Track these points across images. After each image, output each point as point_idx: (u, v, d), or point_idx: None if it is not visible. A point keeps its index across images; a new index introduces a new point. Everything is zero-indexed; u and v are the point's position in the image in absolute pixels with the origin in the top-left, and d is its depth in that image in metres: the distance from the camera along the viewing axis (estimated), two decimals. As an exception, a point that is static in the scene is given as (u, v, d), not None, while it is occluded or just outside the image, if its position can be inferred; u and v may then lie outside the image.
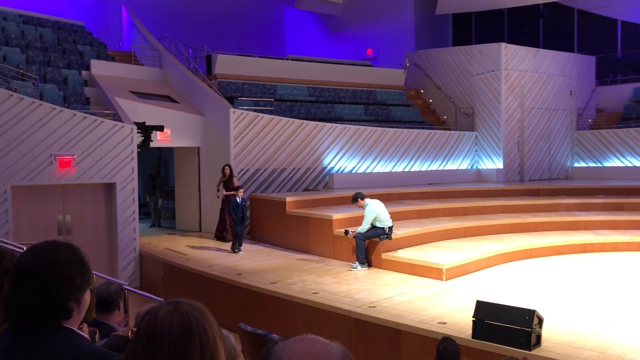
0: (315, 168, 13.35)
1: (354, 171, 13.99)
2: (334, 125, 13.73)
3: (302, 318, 6.84)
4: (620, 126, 16.76)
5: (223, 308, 7.88)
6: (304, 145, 13.10)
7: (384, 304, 6.59)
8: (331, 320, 6.48)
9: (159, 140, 11.93)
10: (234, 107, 12.48)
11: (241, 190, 10.44)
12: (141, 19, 16.64)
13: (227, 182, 11.21)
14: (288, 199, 10.73)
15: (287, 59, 16.91)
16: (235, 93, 14.19)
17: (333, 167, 13.64)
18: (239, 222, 10.26)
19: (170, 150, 14.38)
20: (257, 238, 11.46)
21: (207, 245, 11.01)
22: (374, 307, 6.46)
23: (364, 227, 8.65)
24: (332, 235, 9.65)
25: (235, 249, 10.23)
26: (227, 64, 14.89)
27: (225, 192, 11.13)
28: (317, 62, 17.24)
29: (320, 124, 13.48)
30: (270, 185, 12.61)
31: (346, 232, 9.00)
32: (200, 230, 12.93)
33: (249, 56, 15.88)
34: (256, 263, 9.21)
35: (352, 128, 13.94)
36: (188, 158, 13.26)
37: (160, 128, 11.03)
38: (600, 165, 16.81)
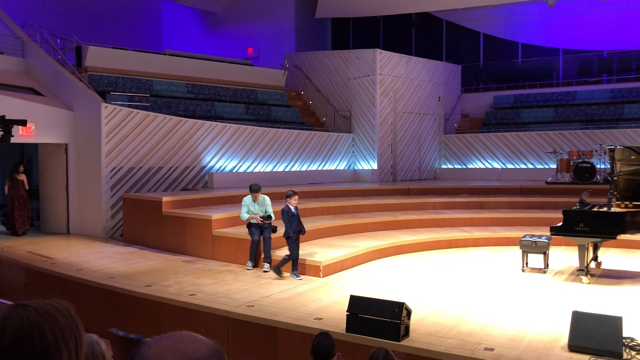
0: (194, 167, 13.07)
1: (234, 170, 13.89)
2: (214, 123, 13.53)
3: (178, 321, 6.67)
4: (481, 131, 18.21)
5: (94, 313, 7.47)
6: (182, 143, 12.78)
7: (263, 303, 6.62)
8: (208, 321, 6.39)
9: (21, 135, 11.02)
10: (106, 102, 11.86)
11: (296, 196, 8.08)
12: (1, 3, 15.25)
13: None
14: (164, 198, 10.40)
15: (164, 54, 16.37)
16: (108, 87, 13.48)
17: (213, 167, 13.43)
18: (296, 240, 7.98)
19: (34, 146, 13.33)
20: (131, 240, 10.98)
21: (75, 248, 10.36)
22: (252, 306, 6.47)
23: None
24: (211, 236, 9.50)
25: (277, 271, 8.07)
26: (99, 57, 14.11)
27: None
28: (197, 58, 16.87)
29: (200, 121, 13.22)
30: (145, 184, 12.14)
31: (270, 217, 8.59)
32: (69, 233, 12.14)
33: (123, 49, 15.16)
34: (130, 265, 8.83)
35: (232, 127, 13.82)
36: (55, 155, 12.39)
37: (23, 122, 10.16)
38: (464, 167, 18.14)
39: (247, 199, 8.86)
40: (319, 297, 6.95)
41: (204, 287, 7.42)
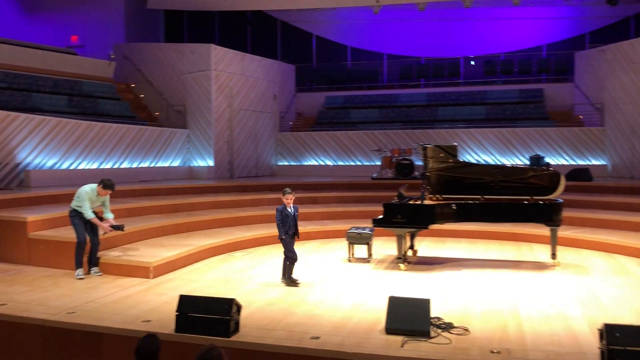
0: (8, 163, 11.81)
1: (56, 167, 12.81)
2: (31, 116, 12.34)
3: (-14, 334, 6.00)
4: (315, 129, 18.94)
5: None
6: (-8, 137, 11.49)
7: (86, 308, 6.23)
8: (22, 332, 5.84)
9: None
10: None
11: (291, 195, 7.48)
12: None
13: None
14: (-30, 199, 9.27)
15: (-30, 37, 14.57)
16: None
17: (30, 163, 12.26)
18: (289, 243, 7.47)
19: None
20: None
21: None
22: (74, 312, 6.06)
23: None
24: (26, 239, 8.67)
25: (289, 280, 7.50)
26: None
27: None
28: (11, 44, 15.25)
29: (14, 114, 11.97)
30: (-54, 183, 10.72)
31: (121, 228, 8.04)
32: None
33: None
34: None
35: (52, 120, 12.74)
36: None
37: None
38: (299, 163, 18.72)
39: (91, 192, 7.93)
40: (148, 299, 6.72)
41: (16, 295, 6.76)
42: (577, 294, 6.99)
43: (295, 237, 7.58)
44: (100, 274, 7.93)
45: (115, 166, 14.32)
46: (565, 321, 5.81)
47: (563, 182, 8.72)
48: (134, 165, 14.89)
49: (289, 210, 7.49)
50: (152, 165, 15.49)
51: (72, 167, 13.20)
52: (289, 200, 7.47)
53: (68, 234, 8.50)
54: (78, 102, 15.00)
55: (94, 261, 8.00)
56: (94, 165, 13.75)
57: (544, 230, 9.25)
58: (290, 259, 7.51)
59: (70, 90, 15.30)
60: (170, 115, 16.92)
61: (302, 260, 9.30)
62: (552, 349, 4.97)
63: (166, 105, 16.97)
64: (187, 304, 5.47)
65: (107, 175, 13.55)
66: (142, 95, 17.68)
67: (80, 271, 7.80)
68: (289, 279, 7.53)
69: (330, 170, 18.13)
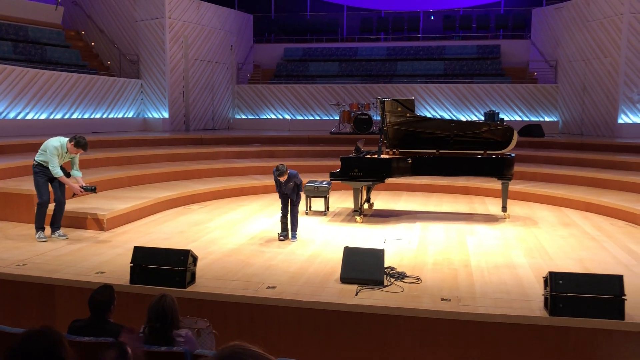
0: (-52, 113, 11.25)
1: (1, 117, 12.27)
2: (-28, 62, 11.72)
3: None
4: (273, 82, 18.66)
5: None
6: None
7: (37, 261, 6.11)
8: (-31, 285, 5.70)
9: None
10: None
11: (283, 176, 7.37)
12: None
13: None
14: None
15: None
16: None
17: (-27, 112, 11.71)
18: (281, 199, 7.61)
19: None
20: None
21: None
22: (24, 264, 5.94)
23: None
24: (-28, 191, 8.36)
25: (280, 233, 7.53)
26: None
27: None
28: (-53, -16, 14.29)
29: (-47, 60, 11.34)
30: None
31: (93, 190, 7.30)
32: None
33: None
34: None
35: (-4, 67, 12.14)
36: None
37: None
38: (257, 117, 18.50)
39: (60, 147, 7.07)
40: (102, 251, 6.63)
41: (-37, 248, 6.57)
42: (525, 244, 7.27)
43: (290, 199, 7.51)
44: (66, 237, 7.20)
45: (66, 117, 13.82)
46: (512, 270, 6.05)
47: (515, 137, 8.92)
48: (86, 116, 14.40)
49: (280, 180, 7.42)
50: (105, 116, 15.02)
51: (20, 117, 12.67)
52: (280, 176, 7.34)
53: (15, 185, 8.27)
54: (24, 48, 14.28)
55: (57, 223, 7.30)
56: (43, 116, 13.23)
57: (495, 184, 9.50)
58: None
59: (14, 36, 14.52)
60: (123, 65, 16.34)
61: (261, 214, 9.34)
62: (500, 296, 5.18)
63: (118, 54, 16.35)
64: (142, 255, 5.42)
65: (59, 126, 13.16)
66: (93, 43, 16.97)
67: (41, 233, 7.12)
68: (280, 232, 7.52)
69: (288, 124, 18.00)
